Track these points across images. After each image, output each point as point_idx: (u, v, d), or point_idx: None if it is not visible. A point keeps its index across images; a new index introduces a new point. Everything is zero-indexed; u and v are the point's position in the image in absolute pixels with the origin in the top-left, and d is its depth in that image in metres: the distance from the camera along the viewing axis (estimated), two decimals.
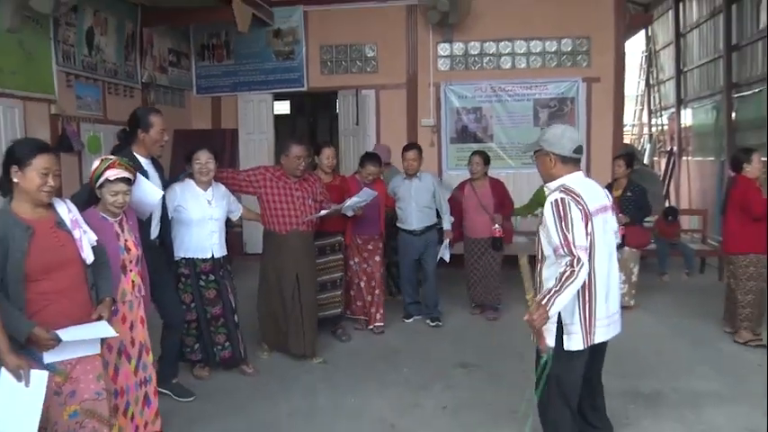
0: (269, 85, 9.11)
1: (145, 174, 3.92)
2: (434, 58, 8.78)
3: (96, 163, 3.37)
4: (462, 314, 6.39)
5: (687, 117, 12.74)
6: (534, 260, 3.37)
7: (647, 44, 14.72)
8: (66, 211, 2.89)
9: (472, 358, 5.17)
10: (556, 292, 3.02)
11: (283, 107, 13.23)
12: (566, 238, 3.06)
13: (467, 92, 8.76)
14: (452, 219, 6.19)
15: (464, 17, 8.37)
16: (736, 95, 10.20)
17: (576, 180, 3.26)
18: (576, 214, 3.10)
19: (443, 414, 4.18)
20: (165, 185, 4.31)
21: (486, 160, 6.33)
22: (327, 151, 5.58)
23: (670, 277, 7.87)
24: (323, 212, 5.08)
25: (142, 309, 3.57)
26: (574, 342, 3.21)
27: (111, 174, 3.30)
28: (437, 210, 6.15)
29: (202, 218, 4.53)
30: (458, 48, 8.78)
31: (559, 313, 3.16)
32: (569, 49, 8.66)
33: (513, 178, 8.17)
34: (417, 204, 6.04)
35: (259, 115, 9.17)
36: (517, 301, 6.57)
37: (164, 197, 4.15)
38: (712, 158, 11.04)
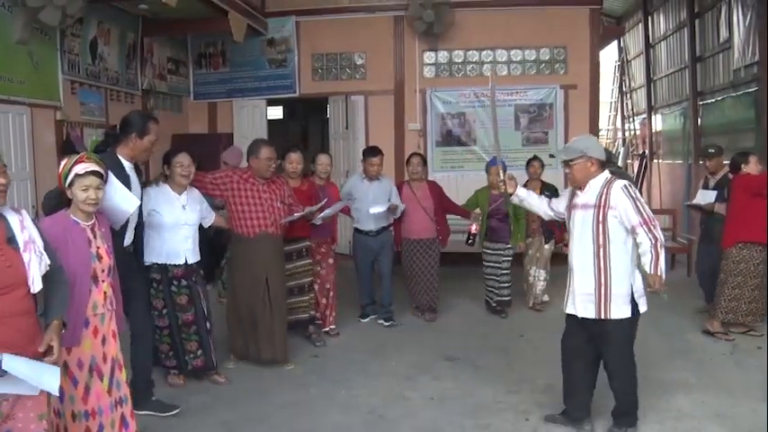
0: (262, 91, 9.09)
1: (127, 177, 3.67)
2: (420, 66, 8.80)
3: (63, 162, 2.95)
4: (446, 310, 6.35)
5: (657, 122, 12.79)
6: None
7: (620, 54, 14.76)
8: (20, 225, 2.39)
9: (457, 352, 5.17)
10: (656, 260, 3.40)
11: (276, 112, 13.17)
12: (646, 214, 3.40)
13: (451, 98, 8.77)
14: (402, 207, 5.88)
15: (448, 27, 8.41)
16: (701, 103, 10.28)
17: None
18: (639, 195, 3.50)
19: (430, 405, 4.18)
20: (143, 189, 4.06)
21: (425, 162, 6.20)
22: (293, 156, 5.25)
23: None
24: (297, 215, 4.79)
25: (114, 322, 3.14)
26: (643, 304, 3.55)
27: (81, 168, 2.88)
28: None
29: (176, 223, 4.21)
30: (442, 56, 8.80)
31: (631, 286, 3.50)
32: (547, 57, 8.71)
33: None
34: (375, 205, 5.71)
35: (253, 120, 9.13)
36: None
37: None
38: (681, 161, 11.11)
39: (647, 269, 3.44)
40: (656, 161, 12.70)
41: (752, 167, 5.42)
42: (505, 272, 6.21)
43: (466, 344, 5.39)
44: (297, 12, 8.81)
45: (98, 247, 2.99)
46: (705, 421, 3.83)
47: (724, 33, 9.17)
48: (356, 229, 5.99)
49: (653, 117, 12.96)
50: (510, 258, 6.22)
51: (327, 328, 5.60)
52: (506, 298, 6.26)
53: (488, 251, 6.23)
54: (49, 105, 6.08)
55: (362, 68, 8.89)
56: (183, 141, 8.32)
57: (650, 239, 3.38)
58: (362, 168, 5.98)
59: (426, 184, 6.11)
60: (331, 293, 5.63)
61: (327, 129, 9.88)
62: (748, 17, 8.23)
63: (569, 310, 3.69)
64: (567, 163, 3.55)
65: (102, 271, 3.01)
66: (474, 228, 5.90)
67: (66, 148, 6.20)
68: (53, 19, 5.33)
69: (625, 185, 3.45)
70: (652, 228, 3.39)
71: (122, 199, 3.35)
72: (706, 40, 10.04)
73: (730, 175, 5.63)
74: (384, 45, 8.78)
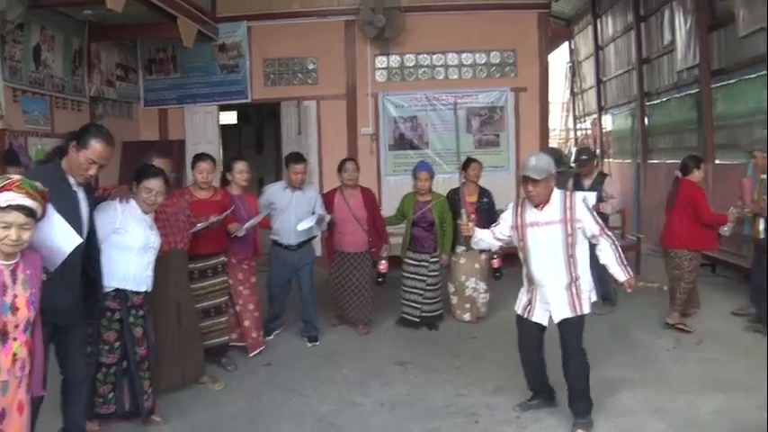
0: (214, 97, 9.03)
1: (73, 195, 3.19)
2: (372, 70, 8.86)
3: None
4: (392, 316, 6.19)
5: (607, 122, 13.12)
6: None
7: (571, 56, 15.06)
8: None
9: (409, 356, 5.21)
10: (622, 261, 3.76)
11: (230, 117, 13.07)
12: (600, 222, 3.77)
13: (403, 101, 8.85)
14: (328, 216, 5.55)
15: (399, 32, 8.49)
16: (647, 103, 10.58)
17: None
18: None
19: (381, 410, 4.21)
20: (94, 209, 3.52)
21: (358, 167, 5.84)
22: (203, 165, 4.79)
23: None
24: (200, 225, 4.45)
25: (23, 391, 2.52)
26: (594, 296, 3.89)
27: (3, 199, 2.36)
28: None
29: (145, 245, 3.72)
30: (394, 60, 8.87)
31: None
32: (498, 61, 8.85)
33: (450, 182, 7.88)
34: (297, 217, 5.35)
35: (205, 126, 9.05)
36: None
37: (92, 216, 3.38)
38: (630, 160, 11.40)
39: (620, 275, 3.77)
40: (606, 160, 12.98)
41: (698, 175, 5.66)
42: (432, 286, 5.87)
43: (417, 348, 5.43)
44: (248, 17, 8.78)
45: (15, 296, 2.43)
46: (645, 417, 3.95)
47: (667, 36, 9.46)
48: (275, 242, 5.58)
49: (603, 117, 13.27)
50: (437, 272, 5.89)
51: (258, 351, 5.22)
52: (435, 313, 5.93)
53: (411, 261, 5.88)
54: None
55: (314, 73, 8.90)
56: (134, 149, 8.19)
57: (609, 239, 3.74)
58: (285, 176, 5.59)
59: (360, 192, 5.80)
60: (256, 314, 5.22)
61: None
62: (689, 21, 8.50)
63: (537, 318, 3.85)
64: (533, 181, 3.60)
65: (16, 326, 2.45)
66: (383, 267, 5.77)
67: (9, 158, 6.07)
68: None
69: (583, 198, 3.80)
70: (606, 231, 3.78)
71: (62, 238, 2.81)
72: (651, 42, 10.33)
73: (679, 174, 5.76)
74: (335, 50, 8.81)
